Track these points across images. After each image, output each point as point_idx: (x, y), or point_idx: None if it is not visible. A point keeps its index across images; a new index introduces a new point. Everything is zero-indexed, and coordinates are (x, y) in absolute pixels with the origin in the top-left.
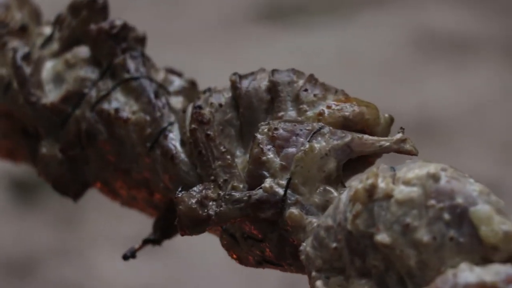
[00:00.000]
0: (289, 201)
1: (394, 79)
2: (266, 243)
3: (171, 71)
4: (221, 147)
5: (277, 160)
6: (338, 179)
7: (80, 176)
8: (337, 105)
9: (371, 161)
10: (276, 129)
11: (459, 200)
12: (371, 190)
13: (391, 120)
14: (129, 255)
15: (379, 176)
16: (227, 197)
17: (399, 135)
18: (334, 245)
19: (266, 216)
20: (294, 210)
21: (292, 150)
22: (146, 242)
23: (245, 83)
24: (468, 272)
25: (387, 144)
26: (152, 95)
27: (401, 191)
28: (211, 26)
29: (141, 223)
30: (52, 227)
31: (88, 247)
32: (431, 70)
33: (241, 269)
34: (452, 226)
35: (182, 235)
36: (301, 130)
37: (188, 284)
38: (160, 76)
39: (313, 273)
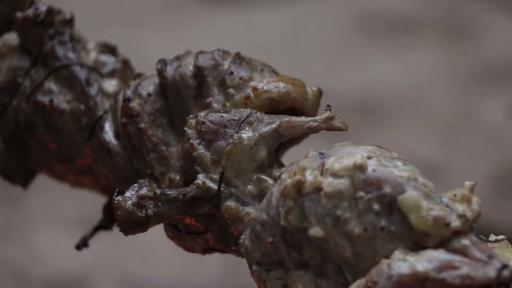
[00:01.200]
0: (223, 195)
1: (338, 59)
2: (208, 234)
3: (104, 46)
4: (154, 139)
5: (208, 155)
6: (272, 164)
7: (26, 164)
8: (263, 87)
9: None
10: (203, 123)
11: (387, 189)
12: (299, 186)
13: (319, 93)
14: (82, 244)
15: (306, 169)
16: (163, 197)
17: (326, 114)
18: (270, 239)
19: (204, 212)
20: (229, 203)
21: (221, 143)
22: (96, 229)
23: (170, 70)
24: (401, 262)
25: (316, 124)
26: (84, 83)
27: (330, 184)
28: (157, 6)
29: (83, 203)
30: None
31: (30, 226)
32: (375, 50)
33: (180, 251)
34: (382, 215)
35: (126, 235)
36: (228, 121)
37: (130, 263)
38: (91, 57)
39: (254, 267)
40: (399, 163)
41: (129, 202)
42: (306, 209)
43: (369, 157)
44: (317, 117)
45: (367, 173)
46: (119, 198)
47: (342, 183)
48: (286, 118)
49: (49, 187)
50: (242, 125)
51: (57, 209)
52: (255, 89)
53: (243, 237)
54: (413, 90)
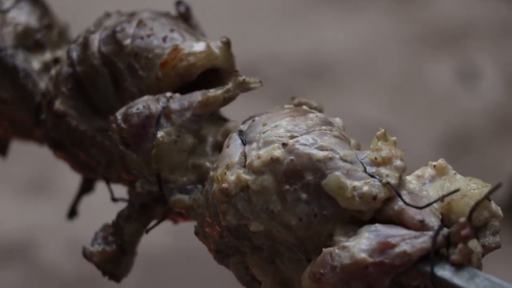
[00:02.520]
0: (166, 192)
1: (286, 23)
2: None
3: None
4: (89, 133)
5: (139, 159)
6: (203, 138)
7: None
8: (169, 63)
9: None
10: (122, 129)
11: (308, 177)
12: (225, 191)
13: (226, 44)
14: (72, 213)
15: (228, 169)
16: (119, 221)
17: (238, 79)
18: (218, 234)
19: (160, 213)
20: (174, 197)
21: (146, 144)
22: (80, 194)
23: (79, 62)
24: (342, 251)
25: (230, 94)
26: (16, 70)
27: (254, 182)
28: None
29: (31, 166)
30: None
31: None
32: (323, 14)
33: None
34: (312, 203)
35: (118, 281)
36: (146, 118)
37: (77, 226)
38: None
39: (214, 254)
40: (316, 139)
41: (96, 245)
42: (240, 208)
43: (285, 144)
44: (229, 86)
45: (286, 165)
46: (87, 248)
47: (266, 180)
48: (199, 97)
49: None
50: (160, 121)
51: (4, 172)
52: (162, 65)
53: (196, 225)
54: (362, 53)
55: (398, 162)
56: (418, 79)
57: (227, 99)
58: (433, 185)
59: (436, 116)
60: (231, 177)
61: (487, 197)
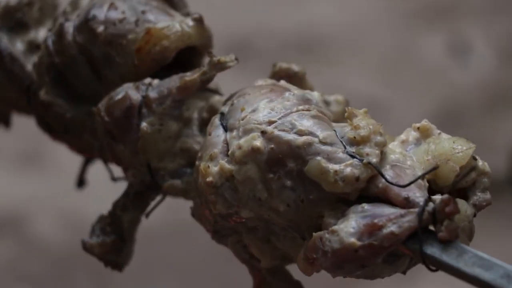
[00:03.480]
0: (158, 179)
1: None
2: None
3: None
4: (78, 122)
5: (126, 150)
6: (189, 120)
7: None
8: (144, 49)
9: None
10: (106, 122)
11: (290, 164)
12: (210, 183)
13: (197, 20)
14: (81, 182)
15: (212, 159)
16: (116, 209)
17: (213, 61)
18: (211, 218)
19: (153, 199)
20: (166, 183)
21: (131, 135)
22: (86, 163)
23: (56, 52)
24: (331, 236)
25: (207, 75)
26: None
27: (238, 172)
28: None
29: (23, 139)
30: None
31: None
32: None
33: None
34: (297, 189)
35: (120, 270)
36: (127, 109)
37: (68, 199)
38: None
39: (211, 235)
40: (294, 123)
41: (94, 237)
42: (227, 197)
43: (263, 132)
44: (205, 68)
45: (267, 154)
46: (86, 240)
47: (249, 169)
48: (177, 83)
49: None
50: (141, 111)
51: None
52: (137, 52)
53: (192, 208)
54: (354, 27)
55: (377, 138)
56: (410, 53)
57: (204, 81)
58: (418, 150)
59: (428, 90)
60: (215, 168)
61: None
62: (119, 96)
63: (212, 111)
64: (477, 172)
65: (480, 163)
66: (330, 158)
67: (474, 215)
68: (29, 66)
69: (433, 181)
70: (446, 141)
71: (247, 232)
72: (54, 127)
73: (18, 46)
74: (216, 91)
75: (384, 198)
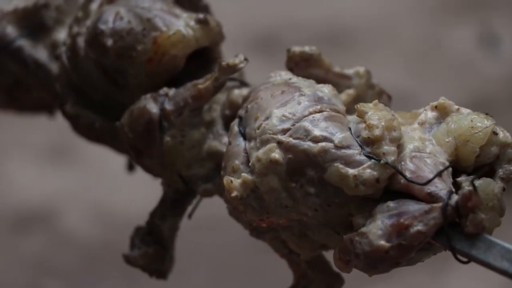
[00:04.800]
0: (192, 185)
1: None
2: None
3: None
4: (97, 130)
5: (155, 163)
6: (212, 123)
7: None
8: (154, 60)
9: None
10: (130, 138)
11: (310, 172)
12: (236, 198)
13: (202, 22)
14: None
15: (235, 172)
16: (154, 218)
17: (222, 66)
18: (248, 222)
19: (190, 203)
20: (200, 189)
21: (157, 149)
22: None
23: (75, 74)
24: (361, 238)
25: (220, 80)
26: (30, 66)
27: (261, 183)
28: None
29: (53, 132)
30: None
31: None
32: None
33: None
34: (321, 194)
35: (165, 278)
36: (148, 124)
37: (99, 192)
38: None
39: (250, 232)
40: (308, 129)
41: (136, 250)
42: (255, 206)
43: (280, 143)
44: (215, 73)
45: (286, 165)
46: (127, 253)
47: (271, 180)
48: (191, 91)
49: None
50: (162, 124)
51: (26, 137)
52: (148, 63)
53: (228, 207)
54: (382, 20)
55: (392, 134)
56: (439, 45)
57: (218, 87)
58: (438, 132)
59: (457, 82)
60: (238, 180)
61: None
62: (139, 111)
63: (233, 107)
64: (499, 145)
65: (501, 135)
66: (348, 163)
67: (503, 189)
68: (54, 69)
69: (457, 163)
70: (464, 120)
71: (283, 230)
72: (86, 136)
73: (42, 51)
74: (236, 79)
75: (408, 194)
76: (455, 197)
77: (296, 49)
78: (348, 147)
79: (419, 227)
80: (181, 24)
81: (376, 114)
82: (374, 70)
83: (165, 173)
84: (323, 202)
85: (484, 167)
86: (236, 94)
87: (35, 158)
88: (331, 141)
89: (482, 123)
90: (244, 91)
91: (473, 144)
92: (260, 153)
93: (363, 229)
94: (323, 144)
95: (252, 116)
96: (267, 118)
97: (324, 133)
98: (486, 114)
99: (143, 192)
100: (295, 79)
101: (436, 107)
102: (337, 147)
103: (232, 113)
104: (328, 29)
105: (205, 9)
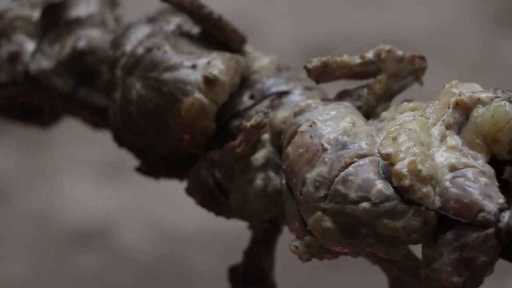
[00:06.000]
0: (278, 222)
1: (357, 2)
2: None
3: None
4: None
5: (235, 216)
6: (267, 164)
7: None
8: (187, 133)
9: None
10: (201, 203)
11: (364, 230)
12: (307, 260)
13: (207, 83)
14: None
15: (296, 241)
16: (256, 260)
17: (247, 128)
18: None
19: (280, 232)
20: (283, 223)
21: (228, 212)
22: None
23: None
24: (436, 274)
25: (253, 141)
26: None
27: (324, 243)
28: None
29: (109, 148)
30: (19, 152)
31: (55, 172)
32: None
33: None
34: (382, 241)
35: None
36: (211, 194)
37: (155, 209)
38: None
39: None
40: (344, 192)
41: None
42: (330, 253)
43: (324, 210)
44: (241, 137)
45: (340, 230)
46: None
47: (333, 242)
48: (232, 157)
49: (73, 131)
50: (222, 188)
51: (81, 153)
52: (184, 134)
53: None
54: (435, 31)
55: (421, 175)
56: (494, 57)
57: (251, 147)
58: (467, 135)
59: None
60: (303, 243)
61: None
62: (200, 183)
63: (275, 133)
64: None
65: None
66: (392, 215)
67: None
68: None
69: (494, 157)
70: (486, 115)
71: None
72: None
73: (99, 99)
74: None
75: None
76: (505, 218)
77: (308, 65)
78: (386, 200)
79: (482, 258)
80: (196, 81)
81: (398, 153)
82: (428, 81)
83: (247, 220)
84: (388, 245)
85: None
86: (278, 119)
87: (91, 175)
88: (368, 199)
89: (503, 115)
90: (285, 112)
91: (501, 141)
92: (311, 221)
93: (435, 266)
94: (361, 205)
95: (291, 178)
96: (303, 184)
97: (360, 193)
98: (504, 92)
99: (199, 208)
100: (315, 119)
101: (457, 104)
102: (375, 204)
103: (276, 139)
104: (381, 41)
105: (242, 41)
